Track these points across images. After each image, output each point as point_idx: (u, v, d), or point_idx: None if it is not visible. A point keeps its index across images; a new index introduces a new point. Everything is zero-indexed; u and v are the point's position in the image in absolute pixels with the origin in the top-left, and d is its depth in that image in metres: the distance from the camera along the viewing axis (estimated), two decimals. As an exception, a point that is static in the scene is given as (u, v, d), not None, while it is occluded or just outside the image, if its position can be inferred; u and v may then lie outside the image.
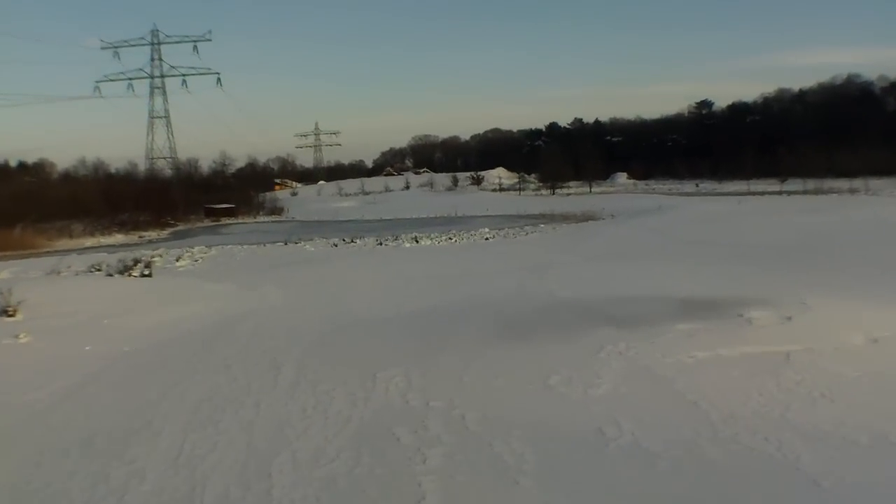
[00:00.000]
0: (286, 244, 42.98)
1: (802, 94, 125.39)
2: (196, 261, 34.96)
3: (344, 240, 42.85)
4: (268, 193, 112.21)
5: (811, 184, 73.89)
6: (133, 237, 64.70)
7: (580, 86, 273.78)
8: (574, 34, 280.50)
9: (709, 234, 31.59)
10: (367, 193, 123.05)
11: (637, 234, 34.64)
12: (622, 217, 50.74)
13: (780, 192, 70.62)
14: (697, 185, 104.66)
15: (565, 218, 57.54)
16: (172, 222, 79.20)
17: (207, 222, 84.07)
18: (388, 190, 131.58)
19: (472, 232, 45.05)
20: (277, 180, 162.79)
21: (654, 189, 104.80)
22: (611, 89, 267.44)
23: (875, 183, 69.36)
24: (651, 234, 33.86)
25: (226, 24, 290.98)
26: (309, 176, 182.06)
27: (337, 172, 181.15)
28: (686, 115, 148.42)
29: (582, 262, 25.10)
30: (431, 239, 39.36)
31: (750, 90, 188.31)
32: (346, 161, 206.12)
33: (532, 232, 41.48)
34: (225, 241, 49.64)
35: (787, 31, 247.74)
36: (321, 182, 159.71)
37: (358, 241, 42.05)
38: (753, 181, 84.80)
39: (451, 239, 38.72)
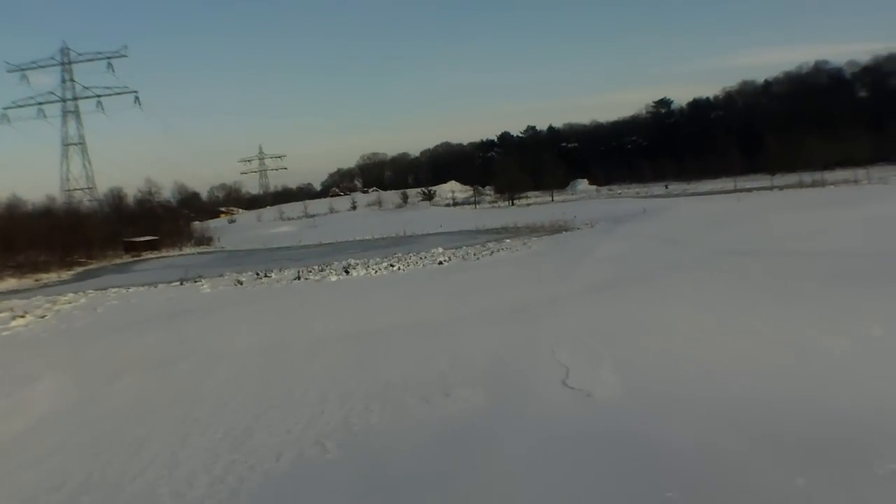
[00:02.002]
0: (182, 284, 33.53)
1: (768, 86, 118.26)
2: (43, 317, 25.69)
3: (257, 274, 33.53)
4: (205, 222, 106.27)
5: (801, 177, 66.10)
6: (28, 281, 54.76)
7: (532, 98, 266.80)
8: (523, 48, 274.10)
9: (738, 239, 23.42)
10: (311, 216, 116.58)
11: (640, 245, 25.71)
12: (604, 225, 42.14)
13: (771, 188, 62.86)
14: (667, 187, 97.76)
15: (532, 230, 48.99)
16: (83, 261, 69.54)
17: (127, 258, 74.71)
18: (332, 211, 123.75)
19: (423, 254, 35.91)
20: (223, 208, 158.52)
21: (619, 194, 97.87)
22: (564, 100, 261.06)
23: (875, 171, 61.81)
24: (658, 244, 25.03)
25: (162, 52, 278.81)
26: (256, 202, 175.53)
27: (284, 197, 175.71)
28: (645, 115, 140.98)
29: (587, 295, 15.92)
30: (367, 268, 29.83)
31: (708, 91, 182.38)
32: (293, 185, 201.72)
33: (498, 250, 32.20)
34: (124, 282, 40.41)
35: (742, 30, 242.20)
36: (270, 207, 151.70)
37: (274, 273, 32.70)
38: (729, 178, 77.66)
39: (393, 266, 29.12)
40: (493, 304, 16.12)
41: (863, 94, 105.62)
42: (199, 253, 73.07)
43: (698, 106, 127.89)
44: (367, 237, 64.91)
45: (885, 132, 71.42)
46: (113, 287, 36.11)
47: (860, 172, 61.69)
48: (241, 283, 29.89)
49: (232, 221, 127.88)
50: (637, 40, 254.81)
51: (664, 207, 44.84)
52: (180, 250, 78.29)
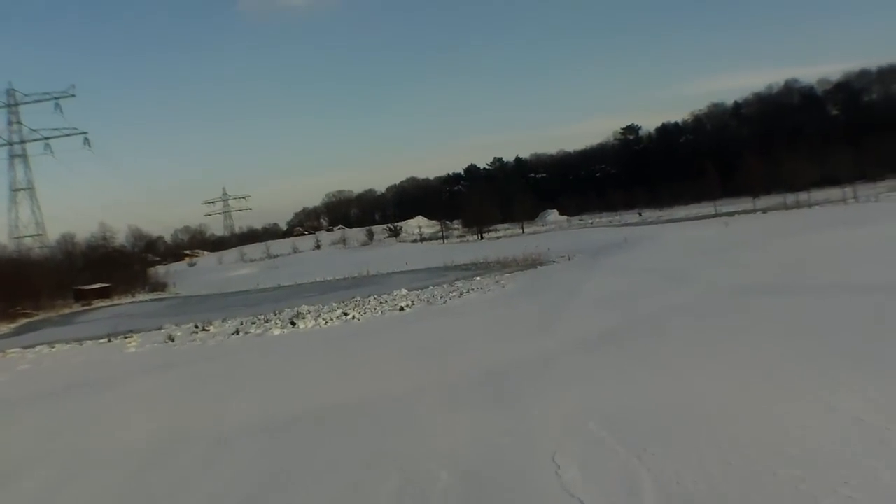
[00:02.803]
0: (109, 340, 29.43)
1: (738, 107, 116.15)
2: None
3: (196, 327, 29.42)
4: (168, 266, 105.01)
5: (784, 198, 63.19)
6: (-37, 336, 50.20)
7: (499, 131, 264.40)
8: (487, 81, 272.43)
9: (750, 271, 20.25)
10: (273, 257, 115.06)
11: (633, 282, 22.07)
12: (583, 258, 38.60)
13: (753, 210, 59.83)
14: (640, 215, 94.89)
15: (504, 265, 45.43)
16: (28, 312, 65.17)
17: (77, 307, 70.73)
18: (296, 252, 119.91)
19: (384, 297, 32.14)
20: (187, 251, 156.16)
21: (591, 223, 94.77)
22: (531, 131, 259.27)
23: (859, 189, 59.10)
24: (655, 280, 21.45)
25: (115, 93, 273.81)
26: (221, 244, 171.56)
27: (250, 238, 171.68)
28: (613, 142, 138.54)
29: (584, 354, 12.17)
30: (319, 317, 25.86)
31: (677, 116, 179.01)
32: (259, 225, 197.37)
33: (467, 291, 28.30)
34: (57, 337, 36.19)
35: (709, 56, 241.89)
36: (231, 249, 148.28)
37: (214, 326, 28.63)
38: (705, 202, 74.83)
39: (347, 315, 25.08)
40: (463, 367, 12.34)
41: (835, 112, 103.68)
42: (152, 300, 68.95)
43: (667, 131, 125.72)
44: (328, 278, 61.49)
45: (860, 149, 68.87)
46: (42, 343, 32.02)
47: (845, 191, 58.77)
48: (172, 340, 25.78)
49: (192, 265, 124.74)
50: (602, 70, 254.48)
51: (646, 236, 41.43)
52: (133, 297, 74.23)
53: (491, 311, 19.61)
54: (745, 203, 78.76)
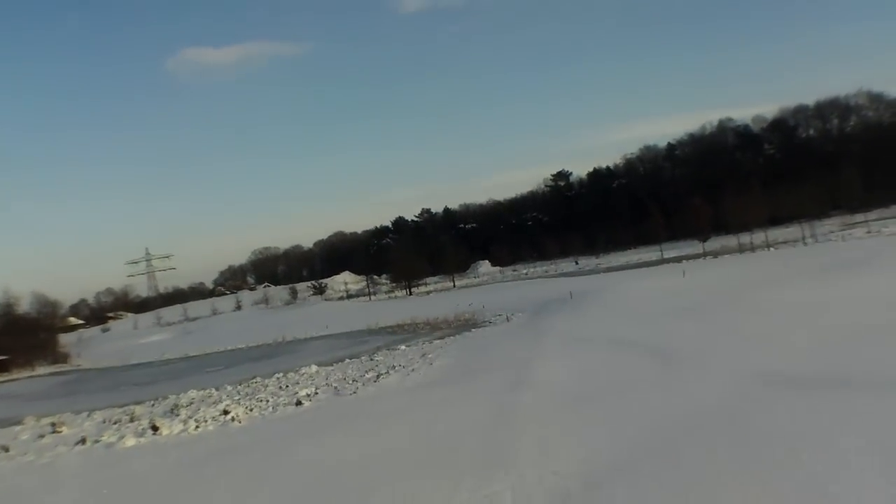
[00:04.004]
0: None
1: (672, 149, 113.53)
2: None
3: (52, 426, 23.31)
4: (88, 329, 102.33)
5: (732, 239, 59.52)
6: None
7: (427, 182, 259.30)
8: (412, 135, 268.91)
9: (773, 345, 14.94)
10: (193, 319, 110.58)
11: (600, 361, 16.62)
12: (525, 317, 33.58)
13: (703, 255, 55.80)
14: (577, 263, 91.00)
15: (434, 327, 40.43)
16: None
17: (-33, 385, 63.66)
18: (215, 313, 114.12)
19: (289, 376, 26.66)
20: (111, 313, 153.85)
21: (526, 274, 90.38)
22: (460, 182, 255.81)
23: (820, 227, 55.76)
24: (632, 358, 16.07)
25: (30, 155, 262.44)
26: (146, 305, 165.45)
27: (175, 298, 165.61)
28: (543, 189, 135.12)
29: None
30: (195, 415, 19.98)
31: (608, 160, 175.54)
32: (185, 285, 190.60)
33: (386, 372, 22.39)
34: None
35: (638, 103, 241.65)
36: (148, 313, 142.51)
37: (66, 427, 22.50)
38: (645, 247, 71.03)
39: (227, 413, 19.11)
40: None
41: (771, 150, 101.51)
42: (51, 374, 63.81)
43: (599, 176, 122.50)
44: (241, 345, 56.16)
45: (800, 187, 65.87)
46: None
47: (803, 229, 55.32)
48: (6, 451, 19.64)
49: (106, 330, 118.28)
50: (530, 118, 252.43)
51: (594, 289, 36.48)
52: (33, 370, 69.48)
53: (411, 414, 14.04)
54: (688, 247, 75.19)
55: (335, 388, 20.55)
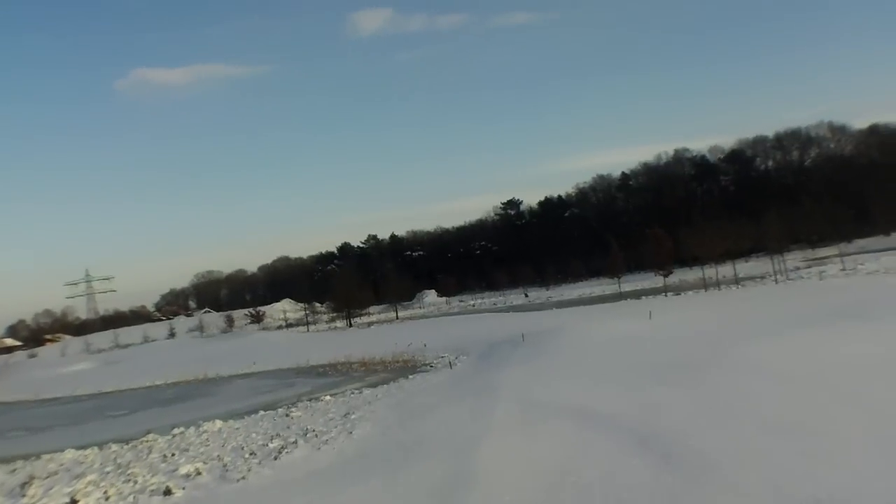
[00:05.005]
0: None
1: (626, 178, 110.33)
2: None
3: None
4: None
5: (688, 274, 56.30)
6: None
7: (375, 209, 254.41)
8: (361, 161, 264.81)
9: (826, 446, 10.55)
10: (124, 347, 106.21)
11: (597, 457, 12.19)
12: (471, 363, 29.52)
13: (664, 291, 52.23)
14: (526, 296, 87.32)
15: (368, 369, 36.34)
16: None
17: None
18: (146, 341, 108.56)
19: (188, 433, 22.31)
20: (48, 335, 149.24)
21: (473, 305, 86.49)
22: (408, 208, 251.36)
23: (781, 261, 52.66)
24: (645, 459, 11.60)
25: None
26: (85, 328, 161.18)
27: (115, 321, 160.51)
28: (493, 217, 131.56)
29: None
30: (48, 493, 15.51)
31: (560, 189, 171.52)
32: (126, 307, 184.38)
33: (295, 441, 17.77)
34: None
35: (593, 133, 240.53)
36: (77, 338, 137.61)
37: None
38: (595, 279, 67.48)
39: (84, 498, 14.65)
40: None
41: (727, 181, 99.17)
42: None
43: (550, 205, 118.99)
44: (160, 381, 51.61)
45: (758, 219, 62.88)
46: None
47: (775, 262, 52.28)
48: None
49: (32, 356, 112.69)
50: (482, 147, 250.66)
51: (550, 330, 32.35)
52: None
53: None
54: (645, 279, 71.78)
55: (225, 465, 16.05)
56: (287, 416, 23.35)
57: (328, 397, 26.77)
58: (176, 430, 24.07)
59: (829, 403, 12.32)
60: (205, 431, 22.81)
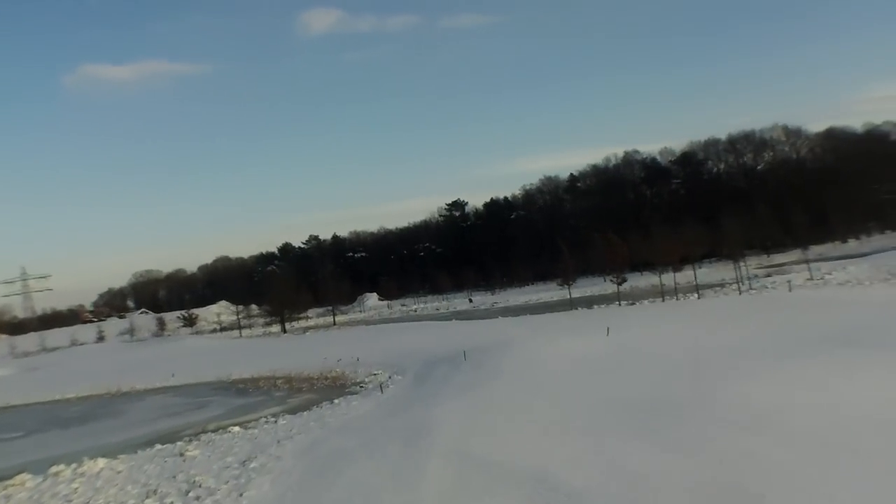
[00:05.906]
0: None
1: (574, 180, 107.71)
2: None
3: None
4: None
5: (635, 280, 53.63)
6: None
7: (317, 209, 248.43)
8: (305, 161, 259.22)
9: None
10: (51, 350, 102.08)
11: None
12: (407, 385, 26.45)
13: (618, 299, 49.43)
14: (471, 301, 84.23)
15: (293, 388, 33.28)
16: None
17: None
18: (74, 344, 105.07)
19: (56, 482, 18.86)
20: None
21: (415, 311, 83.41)
22: (351, 209, 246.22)
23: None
24: None
25: None
26: (21, 327, 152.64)
27: (52, 320, 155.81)
28: (437, 219, 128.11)
29: None
30: None
31: (506, 191, 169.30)
32: (63, 306, 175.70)
33: (184, 494, 14.63)
34: None
35: (541, 135, 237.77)
36: (10, 339, 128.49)
37: None
38: (543, 283, 64.57)
39: None
40: None
41: (676, 184, 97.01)
42: None
43: (496, 207, 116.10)
44: (72, 394, 47.92)
45: (710, 224, 60.26)
46: None
47: (710, 271, 49.82)
48: None
49: None
50: (428, 150, 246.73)
51: (495, 346, 28.99)
52: None
53: None
54: (593, 284, 69.23)
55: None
56: (181, 455, 19.76)
57: (237, 428, 23.23)
58: (53, 469, 20.39)
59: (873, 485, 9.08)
60: (82, 475, 19.19)
